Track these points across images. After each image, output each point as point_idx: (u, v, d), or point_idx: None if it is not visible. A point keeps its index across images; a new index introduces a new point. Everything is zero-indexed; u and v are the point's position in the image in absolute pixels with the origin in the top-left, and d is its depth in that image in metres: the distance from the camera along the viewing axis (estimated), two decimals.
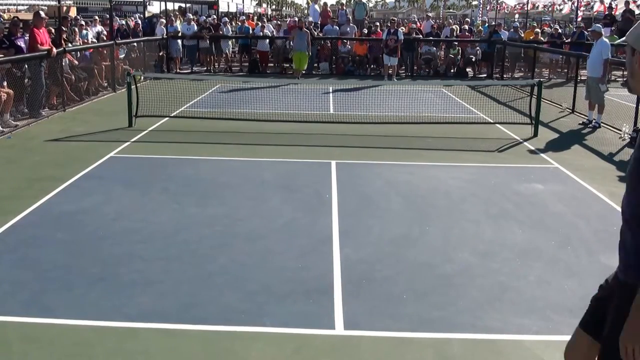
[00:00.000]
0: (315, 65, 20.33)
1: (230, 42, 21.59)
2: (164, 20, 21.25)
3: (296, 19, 24.48)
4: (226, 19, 24.29)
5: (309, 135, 10.45)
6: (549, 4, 42.00)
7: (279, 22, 26.50)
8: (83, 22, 17.96)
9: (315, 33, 20.59)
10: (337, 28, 21.62)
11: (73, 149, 9.40)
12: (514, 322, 4.42)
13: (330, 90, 15.85)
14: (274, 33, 21.90)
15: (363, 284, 4.95)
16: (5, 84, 10.51)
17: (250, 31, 22.01)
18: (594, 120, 11.90)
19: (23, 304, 4.51)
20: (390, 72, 18.33)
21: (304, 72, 18.69)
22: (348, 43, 20.77)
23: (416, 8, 66.64)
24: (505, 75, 19.90)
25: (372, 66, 20.56)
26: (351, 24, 21.48)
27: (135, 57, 17.78)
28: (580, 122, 12.33)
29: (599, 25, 13.98)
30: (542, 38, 21.47)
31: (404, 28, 21.48)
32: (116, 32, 18.55)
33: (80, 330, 4.18)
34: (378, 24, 23.16)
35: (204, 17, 25.02)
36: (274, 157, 8.90)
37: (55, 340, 4.06)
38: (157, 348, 4.00)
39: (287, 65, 20.90)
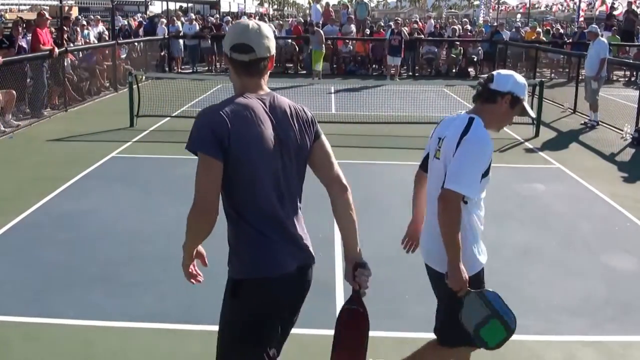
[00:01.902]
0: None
1: None
2: (164, 20, 21.26)
3: (302, 19, 24.49)
4: (228, 18, 24.27)
5: None
6: (551, 4, 42.01)
7: (280, 22, 26.49)
8: (85, 22, 17.98)
9: None
10: (337, 28, 21.63)
11: (75, 149, 9.41)
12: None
13: (332, 90, 15.84)
14: (276, 33, 21.89)
15: None
16: None
17: None
18: (590, 120, 11.95)
19: (24, 304, 4.52)
20: (392, 72, 18.32)
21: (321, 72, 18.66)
22: (350, 43, 20.76)
23: (418, 8, 66.59)
24: None
25: (374, 66, 20.55)
26: (352, 24, 21.49)
27: (137, 57, 17.79)
28: (582, 122, 12.32)
29: (594, 26, 14.04)
30: (544, 38, 21.45)
31: (406, 28, 21.49)
32: (118, 32, 18.57)
33: (81, 330, 4.18)
34: (382, 23, 23.13)
35: (199, 13, 25.00)
36: None
37: (57, 340, 4.06)
38: (159, 348, 4.00)
39: (290, 65, 20.91)
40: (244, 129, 2.40)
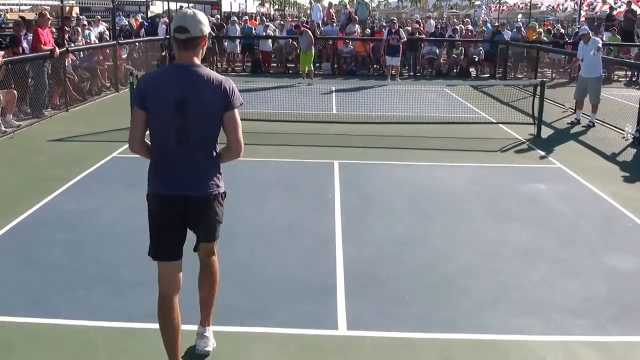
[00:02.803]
0: (318, 65, 20.29)
1: (237, 42, 21.37)
2: (166, 20, 21.22)
3: (304, 19, 24.43)
4: (235, 18, 24.19)
5: (311, 135, 10.44)
6: (553, 4, 41.97)
7: (281, 22, 26.49)
8: (85, 22, 17.97)
9: (318, 33, 20.59)
10: (338, 28, 21.63)
11: (76, 149, 9.41)
12: (517, 322, 4.42)
13: (333, 90, 15.85)
14: (277, 33, 21.87)
15: (366, 284, 4.95)
16: None
17: (253, 31, 21.98)
18: (586, 119, 12.04)
19: (26, 305, 4.51)
20: (393, 72, 18.25)
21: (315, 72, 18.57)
22: (350, 43, 20.75)
23: (419, 8, 66.57)
24: (508, 75, 19.88)
25: (375, 66, 20.53)
26: (356, 24, 21.44)
27: (138, 57, 17.78)
28: (569, 121, 12.36)
29: (585, 27, 14.06)
30: (545, 38, 21.43)
31: (409, 28, 21.43)
32: (119, 32, 18.55)
33: (83, 330, 4.18)
34: (384, 23, 23.08)
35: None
36: (276, 157, 8.89)
37: (58, 341, 4.06)
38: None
39: (291, 65, 20.90)
40: (154, 93, 3.39)
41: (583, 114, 12.43)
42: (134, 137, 3.51)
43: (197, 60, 3.44)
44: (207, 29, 3.42)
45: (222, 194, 3.63)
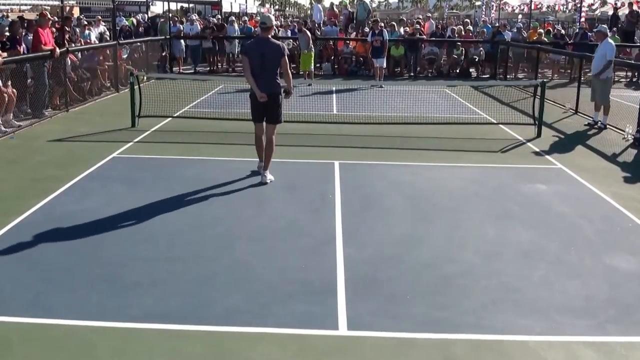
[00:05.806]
0: (318, 65, 20.26)
1: (235, 42, 21.32)
2: (163, 20, 21.18)
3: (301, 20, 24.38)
4: (233, 18, 24.16)
5: (312, 136, 10.44)
6: (553, 5, 41.92)
7: (288, 23, 26.42)
8: (86, 22, 17.97)
9: (319, 33, 20.55)
10: (338, 29, 21.61)
11: (76, 149, 9.41)
12: (517, 322, 4.42)
13: (333, 91, 15.84)
14: (279, 33, 21.83)
15: (366, 285, 4.94)
16: (9, 83, 10.50)
17: (253, 31, 21.96)
18: (599, 122, 11.85)
19: (25, 305, 4.51)
20: (379, 72, 17.90)
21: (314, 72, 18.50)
22: (351, 43, 20.71)
23: (419, 9, 66.47)
24: (508, 76, 19.87)
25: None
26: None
27: (138, 57, 17.77)
28: (586, 123, 12.29)
29: (604, 26, 13.85)
30: (545, 39, 21.42)
31: (408, 29, 21.36)
32: (119, 32, 18.56)
33: (83, 331, 4.18)
34: (382, 24, 23.02)
35: (200, 13, 24.84)
36: (277, 158, 8.87)
37: (58, 341, 4.06)
38: (161, 349, 4.00)
39: (292, 65, 20.88)
40: (251, 49, 7.54)
41: (583, 114, 12.39)
42: (246, 69, 7.44)
43: (269, 35, 7.53)
44: (275, 22, 7.70)
45: (281, 95, 7.52)
